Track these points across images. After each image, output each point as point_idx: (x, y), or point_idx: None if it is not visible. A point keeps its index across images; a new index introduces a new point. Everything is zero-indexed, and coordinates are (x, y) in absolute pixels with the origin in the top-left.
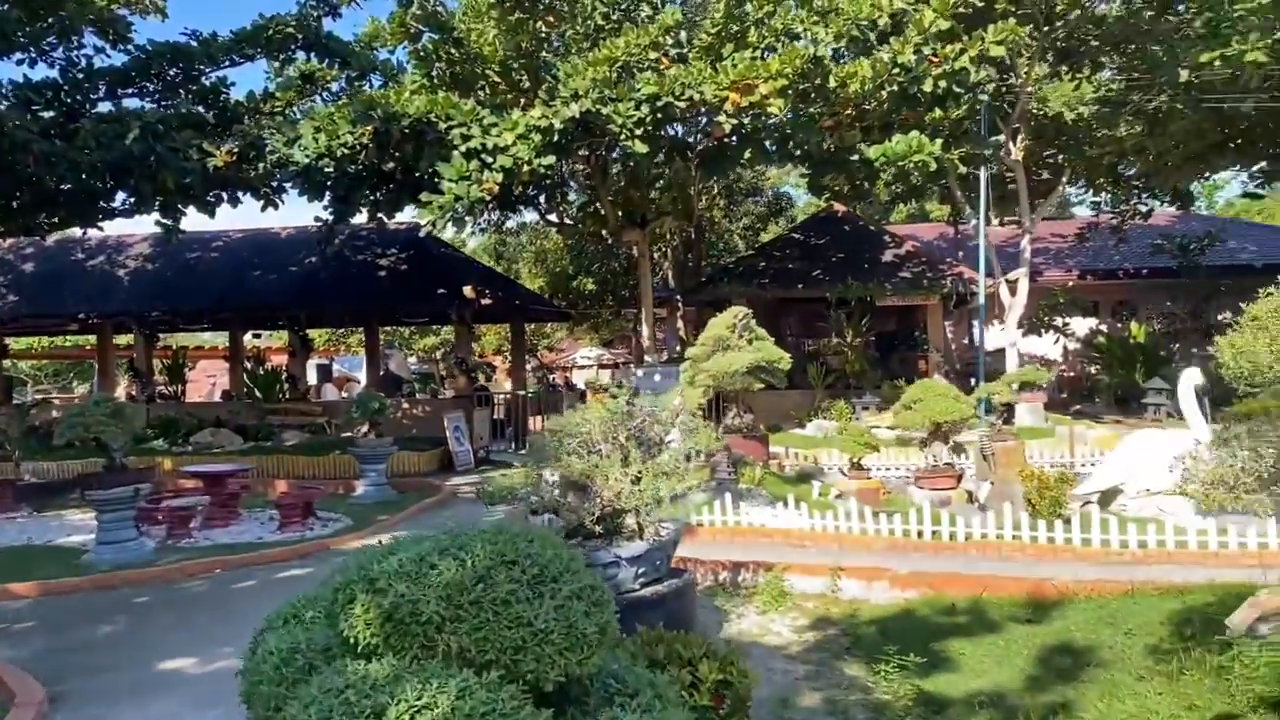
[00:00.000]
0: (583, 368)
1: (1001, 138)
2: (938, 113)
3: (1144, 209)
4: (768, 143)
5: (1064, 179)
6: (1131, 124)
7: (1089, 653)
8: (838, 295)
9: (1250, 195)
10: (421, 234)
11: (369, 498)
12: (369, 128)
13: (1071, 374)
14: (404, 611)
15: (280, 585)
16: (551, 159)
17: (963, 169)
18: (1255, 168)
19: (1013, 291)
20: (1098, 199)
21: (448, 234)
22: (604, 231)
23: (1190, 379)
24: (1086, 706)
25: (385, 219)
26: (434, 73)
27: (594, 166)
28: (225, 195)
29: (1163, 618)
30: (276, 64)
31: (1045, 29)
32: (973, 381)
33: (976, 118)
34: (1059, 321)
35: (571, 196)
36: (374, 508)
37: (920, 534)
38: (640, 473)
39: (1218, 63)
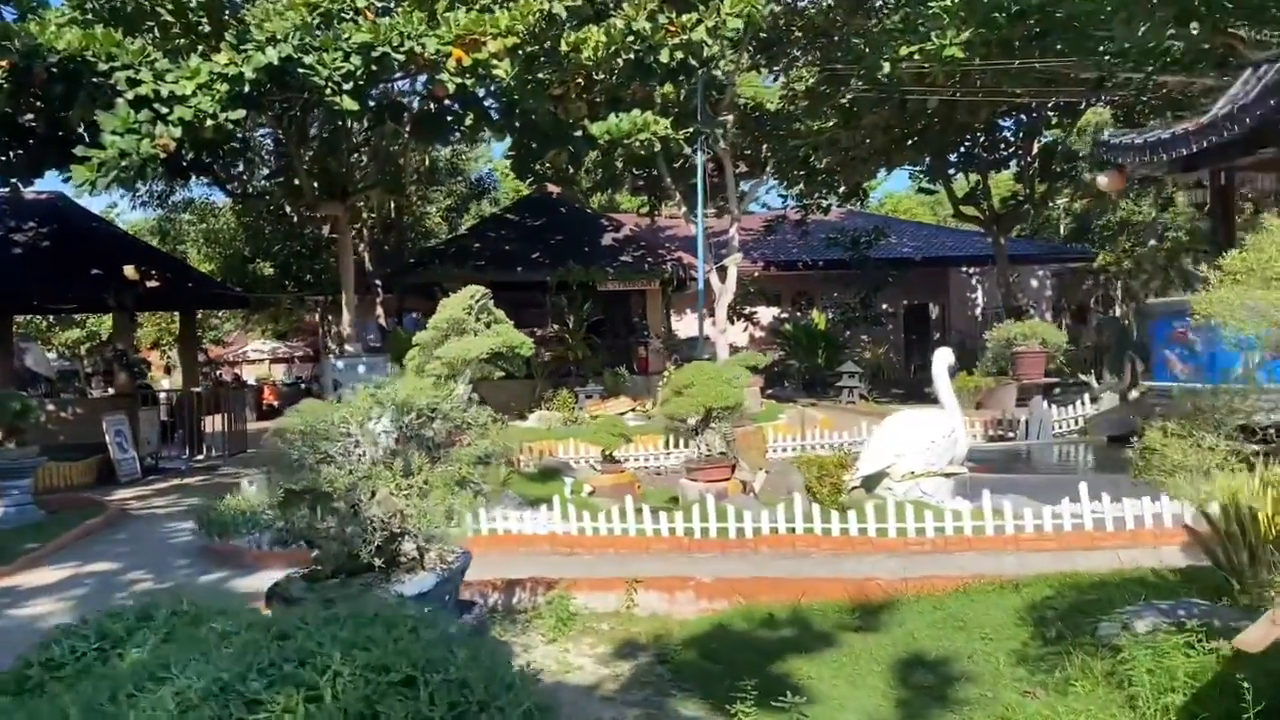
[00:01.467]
0: (254, 362)
1: (729, 117)
2: (669, 88)
3: (825, 203)
4: (492, 109)
5: (768, 169)
6: (828, 117)
7: (949, 665)
8: (558, 279)
9: (925, 190)
10: (80, 198)
11: (9, 521)
12: (3, 63)
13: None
14: None
15: None
16: (240, 113)
17: (677, 151)
18: (922, 165)
19: (722, 279)
20: (786, 192)
21: (99, 205)
22: (298, 206)
23: (943, 359)
24: None
25: (21, 185)
26: (89, 5)
27: (289, 128)
28: None
29: (1010, 617)
30: None
31: None
32: None
33: (692, 103)
34: (748, 310)
35: (257, 166)
36: (17, 534)
37: (705, 531)
38: (428, 483)
39: (917, 56)
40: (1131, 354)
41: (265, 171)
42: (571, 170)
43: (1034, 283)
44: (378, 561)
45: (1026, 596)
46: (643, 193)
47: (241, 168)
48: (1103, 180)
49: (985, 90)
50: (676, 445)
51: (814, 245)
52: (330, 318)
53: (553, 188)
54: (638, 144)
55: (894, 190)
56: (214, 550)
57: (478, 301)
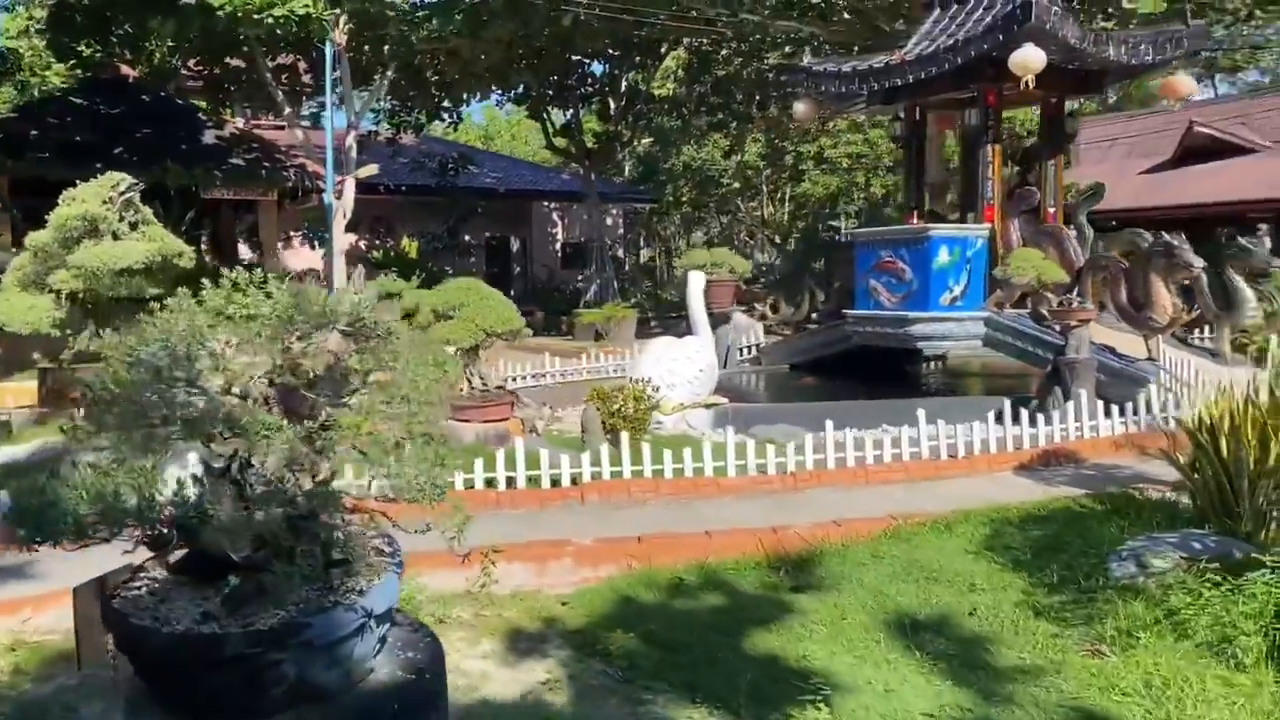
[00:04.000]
0: None
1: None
2: None
3: (419, 122)
4: None
5: (388, 71)
6: (459, 22)
7: (955, 625)
8: (152, 181)
9: (534, 115)
10: None
11: None
12: None
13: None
14: None
15: None
16: None
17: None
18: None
19: (338, 195)
20: (378, 107)
21: None
22: None
23: (698, 283)
24: None
25: None
26: None
27: None
28: None
29: (977, 562)
30: None
31: None
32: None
33: None
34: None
35: None
36: None
37: (512, 482)
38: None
39: None
40: (811, 283)
41: None
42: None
43: (608, 221)
44: (306, 567)
45: (967, 535)
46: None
47: None
48: (799, 108)
49: (629, 10)
50: None
51: (395, 169)
52: None
53: (127, 70)
54: (273, 20)
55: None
56: None
57: (122, 194)
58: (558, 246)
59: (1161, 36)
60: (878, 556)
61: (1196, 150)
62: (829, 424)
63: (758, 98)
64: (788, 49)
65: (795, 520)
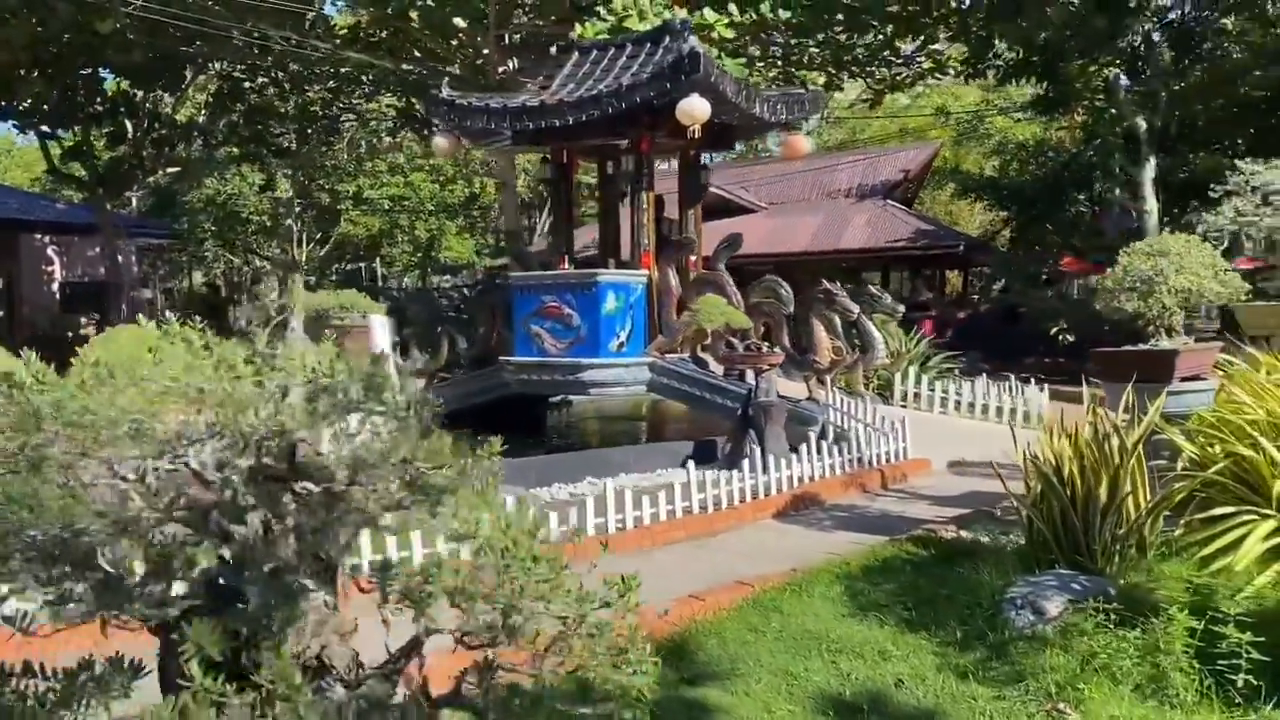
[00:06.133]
0: None
1: None
2: None
3: None
4: None
5: None
6: None
7: (888, 704)
8: None
9: (38, 134)
10: None
11: None
12: None
13: None
14: None
15: None
16: None
17: None
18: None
19: None
20: None
21: None
22: None
23: (382, 326)
24: None
25: None
26: None
27: None
28: None
29: (858, 626)
30: None
31: None
32: None
33: None
34: None
35: None
36: None
37: None
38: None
39: None
40: (450, 329)
41: None
42: None
43: (120, 257)
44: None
45: (828, 596)
46: None
47: None
48: (439, 143)
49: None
50: None
51: None
52: None
53: None
54: None
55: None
56: None
57: None
58: (55, 287)
59: (791, 98)
60: (758, 630)
61: (708, 209)
62: (592, 481)
63: (296, 131)
64: (330, 83)
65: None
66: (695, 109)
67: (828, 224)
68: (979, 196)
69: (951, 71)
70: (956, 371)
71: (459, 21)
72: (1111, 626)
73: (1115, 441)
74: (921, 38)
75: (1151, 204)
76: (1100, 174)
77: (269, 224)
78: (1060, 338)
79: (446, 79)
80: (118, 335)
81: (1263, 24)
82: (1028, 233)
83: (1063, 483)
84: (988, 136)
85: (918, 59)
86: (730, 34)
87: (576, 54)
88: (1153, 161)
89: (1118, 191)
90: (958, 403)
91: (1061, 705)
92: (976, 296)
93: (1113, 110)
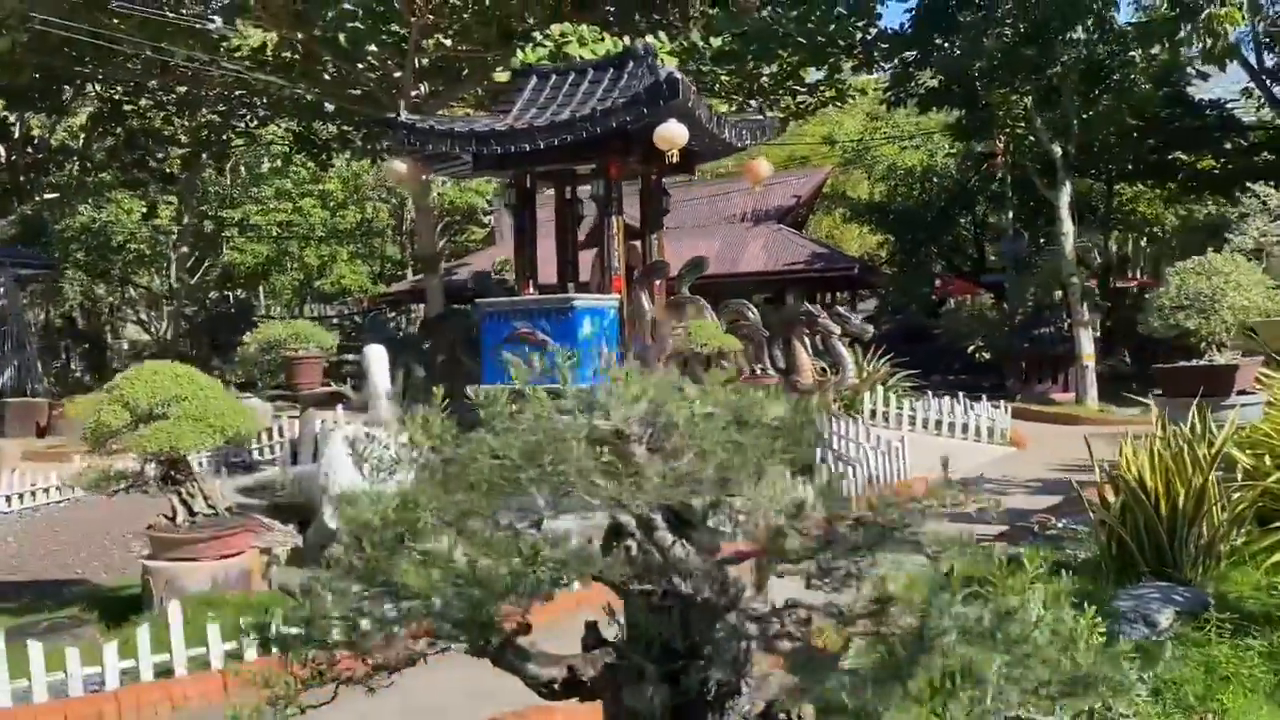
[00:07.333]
0: None
1: None
2: None
3: None
4: None
5: None
6: None
7: None
8: None
9: None
10: None
11: None
12: None
13: None
14: None
15: None
16: None
17: None
18: None
19: None
20: None
21: None
22: None
23: (379, 355)
24: None
25: None
26: None
27: None
28: None
29: None
30: None
31: None
32: None
33: None
34: None
35: None
36: None
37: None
38: None
39: None
40: (407, 359)
41: None
42: None
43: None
44: None
45: None
46: None
47: None
48: (398, 166)
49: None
50: None
51: None
52: None
53: None
54: None
55: None
56: None
57: None
58: None
59: (752, 124)
60: None
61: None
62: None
63: (182, 156)
64: (221, 107)
65: None
66: (674, 134)
67: (725, 247)
68: (867, 220)
69: (854, 98)
70: (908, 389)
71: (371, 47)
72: (1227, 637)
73: (1199, 453)
74: (826, 66)
75: (1069, 226)
76: (983, 200)
77: (147, 253)
78: (977, 354)
79: (402, 103)
80: (142, 373)
81: (1173, 57)
82: (914, 255)
83: (1146, 495)
84: (876, 163)
85: (820, 88)
86: (674, 61)
87: (535, 78)
88: (1068, 186)
89: (1009, 216)
90: (925, 420)
91: (1210, 718)
92: (873, 317)
93: (1030, 137)
